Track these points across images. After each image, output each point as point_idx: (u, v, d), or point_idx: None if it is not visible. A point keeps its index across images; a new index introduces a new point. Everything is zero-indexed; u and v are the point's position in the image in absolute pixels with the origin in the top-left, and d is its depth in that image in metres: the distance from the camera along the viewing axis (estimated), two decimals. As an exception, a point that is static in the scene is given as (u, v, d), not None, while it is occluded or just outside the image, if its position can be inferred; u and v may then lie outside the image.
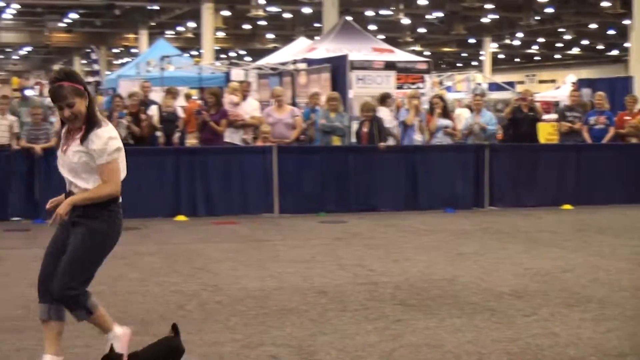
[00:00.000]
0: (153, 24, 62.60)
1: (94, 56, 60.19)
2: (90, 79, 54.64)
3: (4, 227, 15.36)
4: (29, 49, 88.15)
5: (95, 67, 61.22)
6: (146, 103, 19.23)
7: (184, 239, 14.55)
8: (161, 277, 11.14)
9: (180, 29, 65.65)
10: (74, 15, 67.14)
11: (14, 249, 13.43)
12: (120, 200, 7.13)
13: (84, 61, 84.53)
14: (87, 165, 6.76)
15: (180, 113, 19.38)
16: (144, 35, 62.38)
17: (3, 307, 9.40)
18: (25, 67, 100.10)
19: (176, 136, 18.86)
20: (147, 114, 18.30)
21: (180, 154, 17.57)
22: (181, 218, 16.62)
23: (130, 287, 10.57)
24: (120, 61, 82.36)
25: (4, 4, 59.76)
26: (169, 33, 63.55)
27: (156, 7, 58.20)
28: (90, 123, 6.69)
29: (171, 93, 19.81)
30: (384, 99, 19.59)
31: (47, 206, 7.11)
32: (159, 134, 18.49)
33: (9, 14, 67.83)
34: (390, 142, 18.25)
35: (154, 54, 35.33)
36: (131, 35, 68.93)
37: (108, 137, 6.71)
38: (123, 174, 7.10)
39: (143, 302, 9.72)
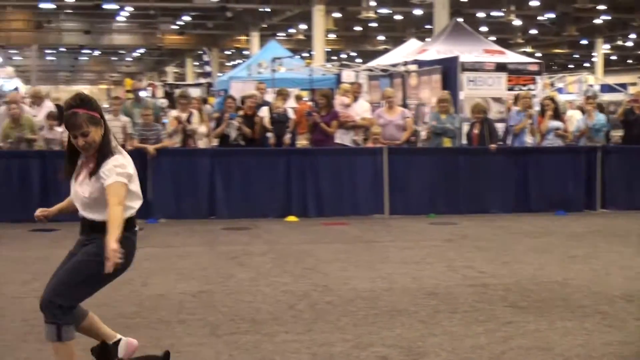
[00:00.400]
0: (264, 26, 62.93)
1: (205, 58, 60.66)
2: (202, 80, 55.30)
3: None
4: (142, 51, 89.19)
5: (207, 68, 61.60)
6: (259, 104, 19.40)
7: (294, 240, 14.59)
8: (272, 277, 11.22)
9: (291, 30, 65.92)
10: (186, 18, 67.92)
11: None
12: (137, 228, 6.86)
13: (196, 63, 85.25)
14: (98, 200, 6.51)
15: (291, 114, 19.51)
16: (255, 37, 62.72)
17: (116, 305, 9.54)
18: (138, 68, 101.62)
19: (287, 137, 18.98)
20: (258, 116, 18.46)
21: (291, 154, 17.67)
22: (292, 219, 16.71)
23: (241, 286, 10.67)
24: (231, 63, 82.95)
25: (118, 7, 60.75)
26: (280, 35, 63.80)
27: (268, 9, 58.41)
28: (101, 155, 6.45)
29: (282, 94, 19.97)
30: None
31: (37, 214, 6.89)
32: (269, 135, 18.62)
33: (122, 16, 68.92)
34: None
35: (265, 55, 35.57)
36: (243, 37, 69.38)
37: (120, 163, 6.44)
38: (138, 201, 6.80)
39: (253, 301, 9.79)
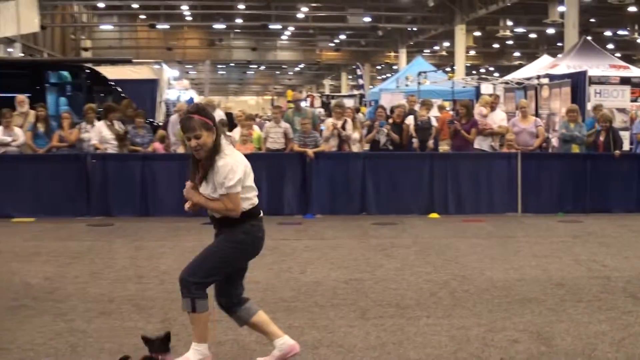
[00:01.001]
0: (411, 43, 63.23)
1: (359, 72, 61.13)
2: (355, 91, 55.70)
3: (278, 221, 15.66)
4: (302, 66, 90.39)
5: (360, 81, 62.15)
6: (406, 113, 19.55)
7: (436, 234, 14.59)
8: (415, 267, 11.28)
9: (435, 48, 65.91)
10: (342, 36, 68.74)
11: (286, 240, 13.77)
12: (261, 214, 6.89)
13: (350, 76, 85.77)
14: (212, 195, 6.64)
15: (434, 122, 19.49)
16: (403, 53, 63.05)
17: (277, 291, 9.75)
18: (298, 81, 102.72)
19: (430, 143, 18.98)
20: (405, 124, 18.59)
21: (434, 158, 17.61)
22: (434, 215, 16.69)
23: (388, 275, 10.75)
24: (381, 76, 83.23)
25: (282, 27, 61.68)
26: (426, 51, 63.79)
27: (414, 29, 58.69)
28: (212, 159, 6.55)
29: (426, 104, 19.97)
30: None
31: (186, 207, 6.94)
32: (414, 140, 18.70)
33: (285, 35, 70.01)
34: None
35: (411, 70, 35.72)
36: (392, 54, 69.70)
37: (228, 170, 6.50)
38: (254, 192, 6.80)
39: (398, 288, 9.87)
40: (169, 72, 36.95)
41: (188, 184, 6.77)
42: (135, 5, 57.95)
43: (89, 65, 25.24)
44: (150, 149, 17.28)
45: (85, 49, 66.98)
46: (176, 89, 42.06)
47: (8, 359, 7.12)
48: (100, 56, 59.89)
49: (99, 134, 17.06)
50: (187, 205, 6.85)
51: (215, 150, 6.53)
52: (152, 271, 10.93)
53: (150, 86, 27.47)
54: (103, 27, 70.26)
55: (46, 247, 13.05)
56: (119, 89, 22.94)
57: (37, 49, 53.75)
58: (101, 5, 59.47)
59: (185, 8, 58.46)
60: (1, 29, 33.29)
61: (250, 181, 6.72)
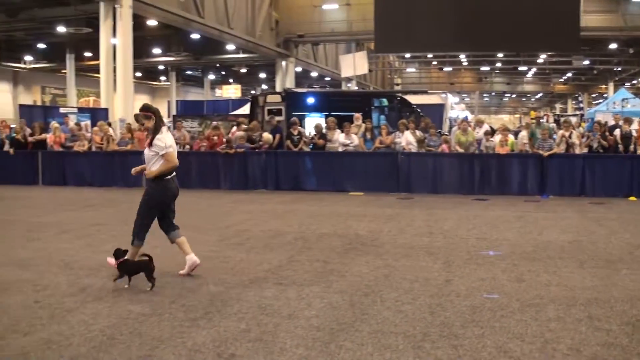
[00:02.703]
0: (617, 78, 59.63)
1: (580, 99, 58.44)
2: (577, 112, 53.94)
3: (524, 199, 15.45)
4: (540, 94, 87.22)
5: (581, 105, 59.72)
6: (612, 126, 18.78)
7: (635, 211, 13.64)
8: (619, 234, 10.61)
9: (634, 81, 61.51)
10: (568, 74, 66.12)
11: (529, 212, 13.39)
12: (174, 174, 7.41)
13: (574, 102, 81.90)
14: (154, 157, 7.26)
15: (634, 133, 18.24)
16: (611, 85, 59.83)
17: (521, 246, 9.51)
18: (538, 105, 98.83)
19: (631, 147, 17.83)
20: (613, 134, 17.70)
21: (634, 159, 16.42)
22: (632, 198, 15.62)
23: (599, 238, 10.25)
24: (595, 102, 78.75)
25: (527, 68, 60.05)
26: (627, 84, 59.75)
27: (619, 68, 55.24)
28: (154, 133, 7.26)
29: (628, 121, 18.71)
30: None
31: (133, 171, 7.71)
32: (620, 146, 17.67)
33: (529, 73, 68.06)
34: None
35: (617, 97, 34.28)
36: (603, 86, 65.77)
37: (167, 143, 7.23)
38: (175, 160, 7.33)
39: (606, 248, 9.40)
40: (451, 99, 37.30)
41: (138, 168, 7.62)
42: (429, 56, 58.27)
43: (399, 94, 25.69)
44: (439, 149, 17.38)
45: (397, 84, 68.62)
46: (456, 110, 42.52)
47: (345, 282, 7.49)
48: (406, 88, 60.74)
49: (406, 139, 17.43)
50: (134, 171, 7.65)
51: (155, 129, 7.30)
52: (438, 230, 10.96)
53: (439, 108, 27.48)
54: (409, 70, 71.17)
55: (370, 211, 13.40)
56: (419, 110, 23.21)
57: (366, 84, 55.52)
58: (407, 56, 60.60)
59: (462, 57, 58.10)
60: (343, 71, 34.77)
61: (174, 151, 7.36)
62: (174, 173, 7.43)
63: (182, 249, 7.55)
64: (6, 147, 19.91)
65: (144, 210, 7.35)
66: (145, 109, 7.42)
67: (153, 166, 7.27)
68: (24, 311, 6.09)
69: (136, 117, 8.09)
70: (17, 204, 14.62)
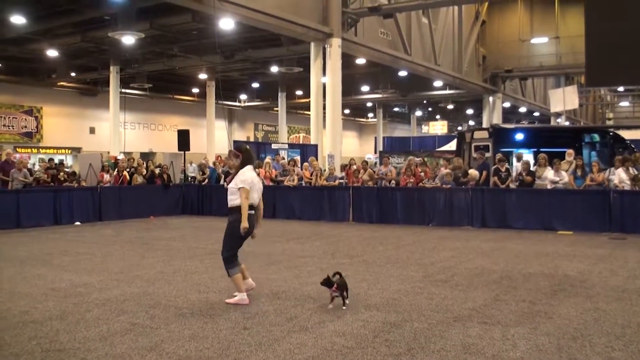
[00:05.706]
0: None
1: None
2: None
3: None
4: None
5: None
6: None
7: None
8: None
9: None
10: None
11: None
12: (253, 212, 7.64)
13: None
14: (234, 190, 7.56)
15: None
16: None
17: None
18: None
19: None
20: None
21: None
22: None
23: None
24: None
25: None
26: None
27: None
28: (239, 169, 7.65)
29: None
30: None
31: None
32: None
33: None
34: None
35: None
36: None
37: (241, 178, 7.53)
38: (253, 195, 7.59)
39: None
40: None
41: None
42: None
43: (612, 129, 24.34)
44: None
45: (609, 119, 64.39)
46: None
47: (552, 324, 7.12)
48: (619, 123, 56.91)
49: (619, 177, 16.35)
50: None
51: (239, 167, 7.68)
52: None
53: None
54: (621, 104, 66.76)
55: (579, 251, 12.74)
56: (633, 146, 21.74)
57: (576, 119, 52.84)
58: (620, 89, 56.63)
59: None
60: (552, 106, 33.53)
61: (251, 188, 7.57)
62: (253, 211, 7.63)
63: (236, 284, 7.88)
64: (222, 182, 21.02)
65: (229, 241, 7.66)
66: (236, 148, 8.00)
67: (235, 200, 7.52)
68: (234, 337, 6.41)
69: (229, 153, 8.67)
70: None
